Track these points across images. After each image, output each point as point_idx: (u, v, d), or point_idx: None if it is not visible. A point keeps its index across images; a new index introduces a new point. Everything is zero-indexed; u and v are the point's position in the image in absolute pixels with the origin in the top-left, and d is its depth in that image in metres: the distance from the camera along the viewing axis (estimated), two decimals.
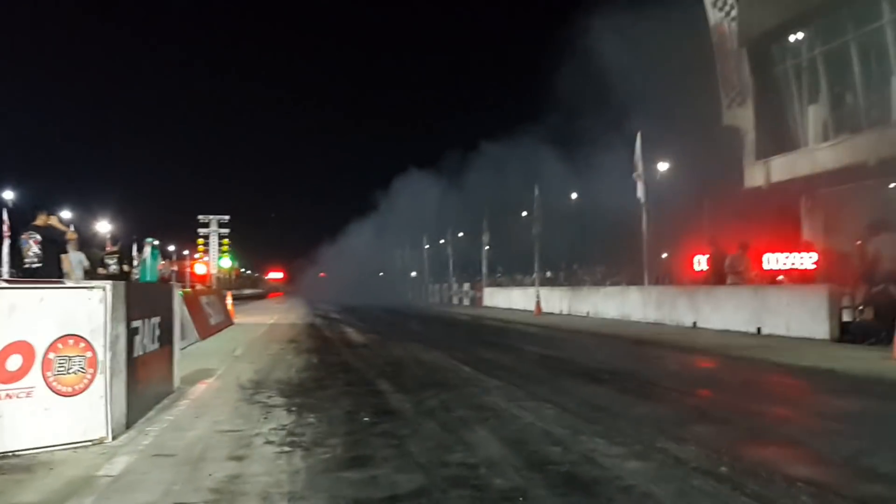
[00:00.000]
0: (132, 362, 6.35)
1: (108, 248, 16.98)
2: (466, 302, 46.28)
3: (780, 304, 15.88)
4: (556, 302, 29.79)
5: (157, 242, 14.57)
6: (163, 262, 14.90)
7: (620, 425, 6.26)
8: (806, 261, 22.23)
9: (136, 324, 6.58)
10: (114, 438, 5.75)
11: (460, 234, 58.05)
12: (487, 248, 45.08)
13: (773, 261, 22.96)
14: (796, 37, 25.46)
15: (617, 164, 29.72)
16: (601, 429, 6.10)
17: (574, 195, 53.95)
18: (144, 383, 6.89)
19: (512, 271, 54.36)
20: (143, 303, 7.06)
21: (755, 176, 26.42)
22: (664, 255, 33.50)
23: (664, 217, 28.58)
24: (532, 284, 34.89)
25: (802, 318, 14.89)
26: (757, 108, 25.86)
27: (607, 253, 45.18)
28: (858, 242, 14.70)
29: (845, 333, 13.87)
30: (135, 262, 16.14)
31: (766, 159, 25.95)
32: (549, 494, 4.30)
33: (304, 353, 13.17)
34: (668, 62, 29.50)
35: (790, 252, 22.63)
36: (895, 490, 4.35)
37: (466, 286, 48.63)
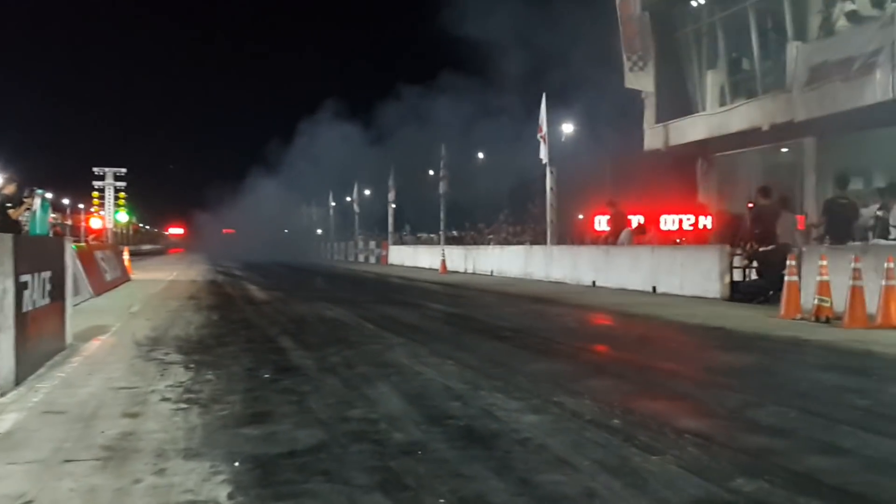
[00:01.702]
0: (21, 317, 6.13)
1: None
2: (372, 260, 46.23)
3: (674, 264, 16.41)
4: (461, 260, 30.02)
5: (48, 195, 13.99)
6: (54, 215, 14.31)
7: (519, 380, 6.39)
8: (700, 222, 23.01)
9: (24, 278, 6.34)
10: (2, 395, 5.56)
11: (367, 192, 57.76)
12: (393, 205, 45.01)
13: (670, 222, 23.69)
14: (697, 2, 25.98)
15: (526, 125, 29.96)
16: (500, 384, 6.21)
17: (481, 155, 54.30)
18: (34, 339, 6.66)
19: (418, 230, 54.52)
20: (32, 256, 6.80)
21: (654, 139, 27.04)
22: (580, 217, 34.13)
23: (569, 178, 29.07)
24: (437, 243, 35.07)
25: (695, 278, 15.43)
26: (658, 72, 26.39)
27: (513, 213, 45.79)
28: (750, 205, 15.26)
29: (735, 293, 14.43)
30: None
31: (665, 123, 26.56)
32: (447, 448, 4.36)
33: (204, 310, 12.94)
34: (573, 24, 29.80)
35: (686, 214, 23.37)
36: (777, 441, 4.55)
37: (372, 244, 48.53)
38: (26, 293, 6.41)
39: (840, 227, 13.03)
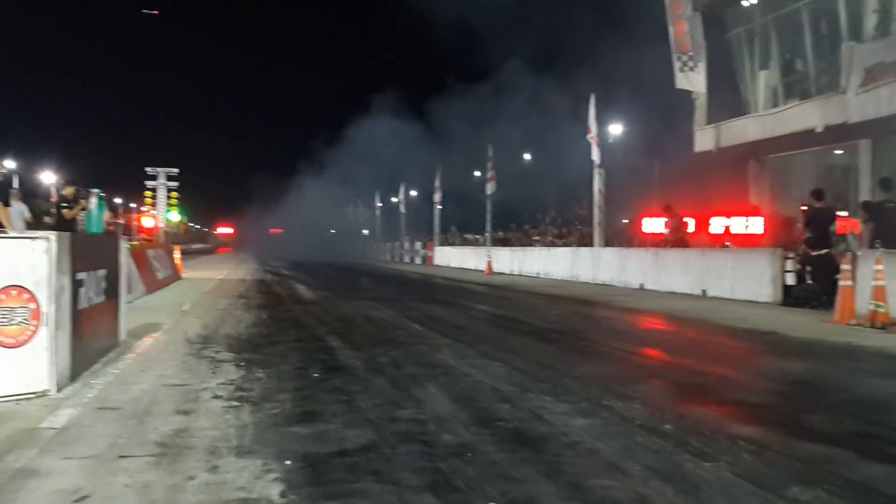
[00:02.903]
0: (77, 315, 6.25)
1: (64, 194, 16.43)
2: (418, 260, 46.33)
3: (725, 267, 16.17)
4: (507, 262, 29.95)
5: (103, 193, 14.25)
6: (108, 214, 14.52)
7: (567, 383, 6.35)
8: (752, 224, 22.64)
9: (81, 276, 6.46)
10: (58, 391, 5.67)
11: (413, 193, 57.96)
12: (439, 206, 45.06)
13: (720, 225, 23.36)
14: (749, 1, 25.60)
15: (573, 125, 29.82)
16: (549, 387, 6.18)
17: (528, 156, 54.17)
18: (89, 336, 6.79)
19: (465, 231, 54.55)
20: (88, 255, 6.93)
21: (705, 140, 26.67)
22: (625, 222, 33.86)
23: (618, 179, 28.86)
24: (484, 244, 35.05)
25: (746, 282, 15.19)
26: (709, 73, 26.05)
27: (560, 214, 45.59)
28: (803, 207, 14.98)
29: (788, 297, 14.18)
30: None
31: (716, 124, 26.20)
32: (496, 450, 4.35)
33: (253, 309, 13.08)
34: (623, 25, 29.54)
35: (737, 216, 23.03)
36: (833, 449, 4.47)
37: (418, 245, 48.64)
38: (82, 291, 6.54)
39: (888, 231, 12.72)
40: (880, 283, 10.51)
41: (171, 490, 3.66)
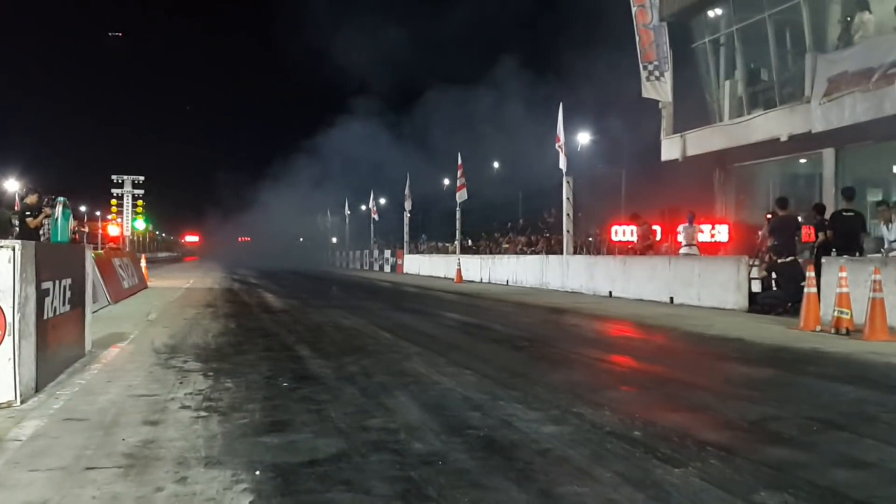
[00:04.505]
0: (42, 325, 6.17)
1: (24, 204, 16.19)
2: (387, 269, 46.27)
3: (692, 274, 16.33)
4: (477, 269, 30.01)
5: (67, 201, 14.05)
6: (74, 223, 14.28)
7: (538, 391, 6.37)
8: (717, 233, 22.87)
9: (46, 285, 6.38)
10: (22, 402, 5.59)
11: (382, 201, 57.90)
12: (409, 214, 45.04)
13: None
14: (715, 12, 25.92)
15: (543, 133, 29.98)
16: (519, 394, 6.20)
17: (497, 164, 54.36)
18: (55, 346, 6.70)
19: (435, 239, 54.57)
20: (53, 264, 6.84)
21: (671, 149, 26.91)
22: (590, 240, 34.07)
23: (587, 187, 29.01)
24: (453, 252, 35.10)
25: (713, 289, 15.35)
26: (675, 82, 26.30)
27: (529, 222, 45.76)
28: (768, 215, 15.17)
29: (753, 304, 14.35)
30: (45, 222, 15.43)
31: (683, 133, 26.46)
32: (467, 458, 4.35)
33: (221, 318, 12.98)
34: (590, 33, 29.74)
35: (703, 224, 23.24)
36: (800, 454, 4.52)
37: (387, 253, 48.58)
38: (47, 300, 6.46)
39: (848, 240, 12.95)
40: (844, 290, 10.66)
41: (139, 502, 3.62)
